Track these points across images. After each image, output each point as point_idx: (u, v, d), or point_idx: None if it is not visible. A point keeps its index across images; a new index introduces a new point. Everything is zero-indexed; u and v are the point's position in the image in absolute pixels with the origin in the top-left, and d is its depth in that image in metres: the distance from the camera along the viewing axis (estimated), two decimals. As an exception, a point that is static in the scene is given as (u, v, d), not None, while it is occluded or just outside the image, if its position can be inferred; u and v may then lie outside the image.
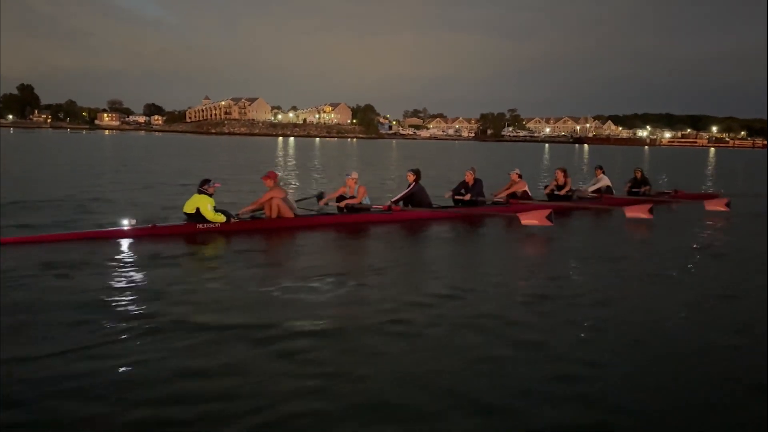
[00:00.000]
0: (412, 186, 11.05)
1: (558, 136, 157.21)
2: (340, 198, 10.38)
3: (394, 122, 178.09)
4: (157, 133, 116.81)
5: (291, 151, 48.24)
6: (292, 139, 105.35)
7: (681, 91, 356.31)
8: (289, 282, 6.15)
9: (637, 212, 10.85)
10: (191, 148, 49.07)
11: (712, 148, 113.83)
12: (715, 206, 12.13)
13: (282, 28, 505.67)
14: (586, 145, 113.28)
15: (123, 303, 5.29)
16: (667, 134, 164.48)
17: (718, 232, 10.60)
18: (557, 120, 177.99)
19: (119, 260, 6.93)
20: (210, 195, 8.82)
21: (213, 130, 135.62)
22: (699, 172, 33.48)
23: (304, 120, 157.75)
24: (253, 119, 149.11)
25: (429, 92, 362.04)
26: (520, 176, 12.61)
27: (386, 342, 4.53)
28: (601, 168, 14.36)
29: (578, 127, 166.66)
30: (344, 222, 10.10)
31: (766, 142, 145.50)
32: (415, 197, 11.03)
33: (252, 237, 8.80)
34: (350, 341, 4.53)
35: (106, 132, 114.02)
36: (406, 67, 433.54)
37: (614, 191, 14.12)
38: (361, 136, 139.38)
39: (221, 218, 8.79)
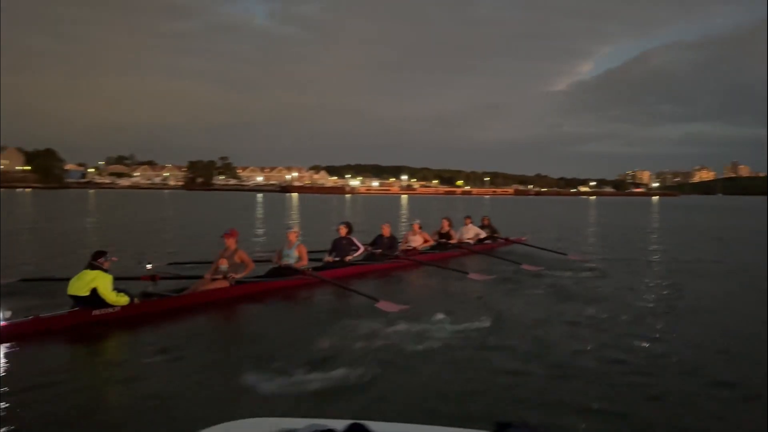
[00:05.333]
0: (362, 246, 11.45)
1: (267, 185, 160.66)
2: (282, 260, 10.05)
3: (92, 170, 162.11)
4: None
5: None
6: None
7: (388, 145, 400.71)
8: (218, 378, 5.25)
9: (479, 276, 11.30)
10: None
11: (404, 195, 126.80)
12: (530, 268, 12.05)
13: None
14: (294, 194, 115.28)
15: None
16: (375, 183, 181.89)
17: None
18: (272, 169, 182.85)
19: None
20: (106, 271, 7.14)
21: None
22: (393, 216, 33.71)
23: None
24: None
25: (144, 139, 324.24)
26: (420, 227, 13.42)
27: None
28: (469, 217, 15.45)
29: (289, 176, 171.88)
30: (273, 288, 9.36)
31: (446, 189, 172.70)
32: (344, 249, 11.17)
33: (164, 321, 7.22)
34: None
35: None
36: (121, 112, 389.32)
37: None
38: (36, 185, 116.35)
39: (124, 300, 7.14)
